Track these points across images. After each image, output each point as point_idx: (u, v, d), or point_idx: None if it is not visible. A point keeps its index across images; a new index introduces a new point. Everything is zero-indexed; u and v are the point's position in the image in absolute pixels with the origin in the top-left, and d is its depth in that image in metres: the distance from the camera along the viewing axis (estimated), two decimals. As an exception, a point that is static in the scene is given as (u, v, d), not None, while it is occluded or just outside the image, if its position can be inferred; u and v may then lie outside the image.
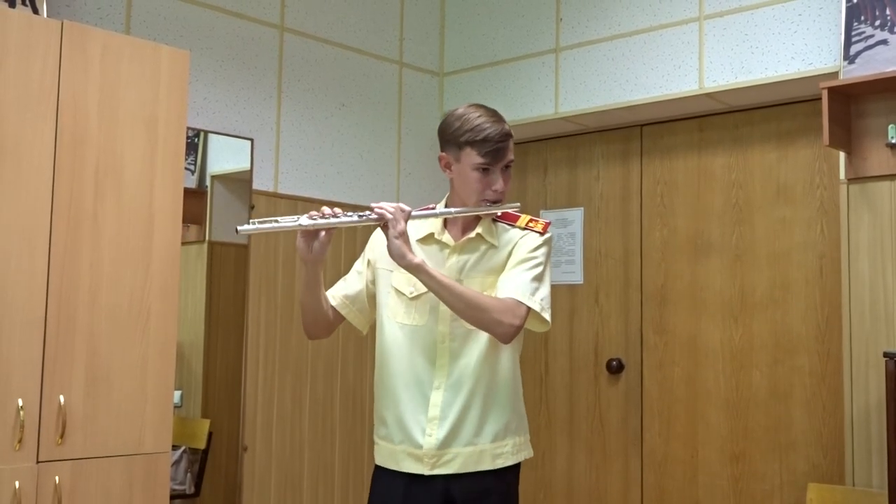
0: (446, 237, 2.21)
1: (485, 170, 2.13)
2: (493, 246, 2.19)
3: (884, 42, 3.04)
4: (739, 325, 3.63)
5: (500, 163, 2.14)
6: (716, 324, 3.69)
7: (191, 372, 3.38)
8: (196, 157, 3.40)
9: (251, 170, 3.56)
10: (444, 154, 2.20)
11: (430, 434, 2.12)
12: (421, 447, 2.12)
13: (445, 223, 2.23)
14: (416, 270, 2.04)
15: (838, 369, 3.32)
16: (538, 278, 2.14)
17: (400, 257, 2.03)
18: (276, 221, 2.05)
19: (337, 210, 2.08)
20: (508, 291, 2.10)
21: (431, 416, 2.13)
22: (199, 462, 3.36)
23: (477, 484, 2.13)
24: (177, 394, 3.26)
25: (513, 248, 2.18)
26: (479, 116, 2.14)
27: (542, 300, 2.13)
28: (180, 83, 2.79)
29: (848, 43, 3.12)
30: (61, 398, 2.48)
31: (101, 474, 2.54)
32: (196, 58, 3.37)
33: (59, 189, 2.52)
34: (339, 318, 2.27)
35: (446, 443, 2.11)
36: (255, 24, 3.63)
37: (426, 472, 2.12)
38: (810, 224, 3.50)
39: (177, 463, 3.28)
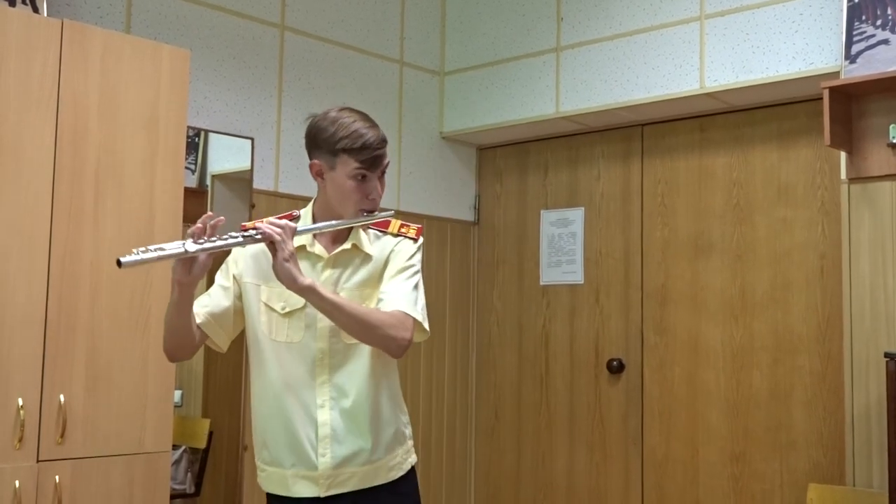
0: (318, 249, 2.08)
1: (362, 177, 2.02)
2: (367, 256, 2.09)
3: (885, 42, 3.04)
4: (740, 325, 3.62)
5: (377, 170, 2.04)
6: (716, 324, 3.68)
7: (191, 371, 3.38)
8: (196, 157, 3.40)
9: (252, 169, 3.56)
10: (315, 161, 2.05)
11: (323, 454, 2.02)
12: (316, 468, 2.01)
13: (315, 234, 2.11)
14: (308, 293, 1.91)
15: (839, 369, 3.31)
16: (417, 287, 2.07)
17: (291, 281, 1.88)
18: (162, 249, 1.81)
19: (220, 219, 1.88)
20: (395, 303, 2.02)
21: (322, 434, 2.02)
22: (199, 461, 3.35)
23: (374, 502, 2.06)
24: (177, 393, 3.26)
25: (389, 255, 2.10)
26: (354, 122, 2.02)
27: (422, 309, 2.06)
28: (181, 82, 2.79)
29: (849, 42, 3.11)
30: (62, 397, 2.48)
31: (101, 474, 2.54)
32: (196, 57, 3.37)
33: (60, 188, 2.52)
34: (203, 337, 2.10)
35: (344, 462, 2.02)
36: (256, 24, 3.63)
37: (322, 493, 2.02)
38: (811, 224, 3.49)
39: (177, 462, 3.28)
